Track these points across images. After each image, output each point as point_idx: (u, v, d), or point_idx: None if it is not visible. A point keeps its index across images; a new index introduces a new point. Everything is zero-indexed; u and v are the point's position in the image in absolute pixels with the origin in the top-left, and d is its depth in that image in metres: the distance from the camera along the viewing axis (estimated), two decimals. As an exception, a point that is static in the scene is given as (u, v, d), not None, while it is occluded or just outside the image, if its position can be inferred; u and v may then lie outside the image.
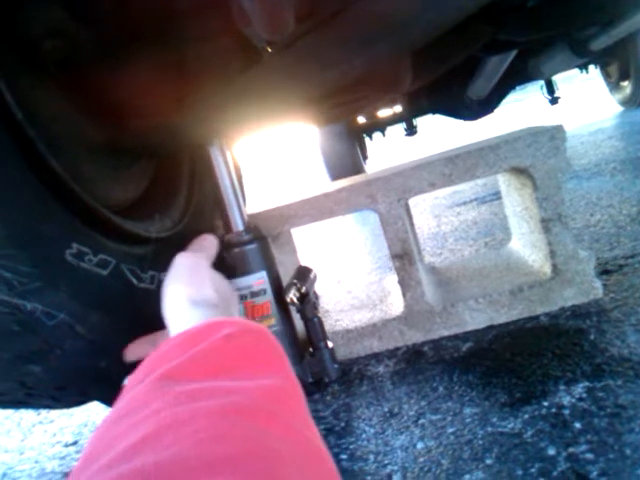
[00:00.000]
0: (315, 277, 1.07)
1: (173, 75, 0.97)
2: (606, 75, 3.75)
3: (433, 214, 2.35)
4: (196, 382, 0.40)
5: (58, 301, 0.65)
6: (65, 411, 1.28)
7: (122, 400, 0.42)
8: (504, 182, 1.31)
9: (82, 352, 0.71)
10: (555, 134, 1.03)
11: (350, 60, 0.80)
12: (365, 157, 3.78)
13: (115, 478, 0.30)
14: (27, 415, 1.33)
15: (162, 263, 0.91)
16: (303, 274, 1.04)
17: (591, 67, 3.56)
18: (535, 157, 1.03)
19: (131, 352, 0.71)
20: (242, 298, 0.94)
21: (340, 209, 1.09)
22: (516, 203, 1.24)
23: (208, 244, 0.83)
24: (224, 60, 0.99)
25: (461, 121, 3.05)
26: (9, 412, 1.37)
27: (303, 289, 0.99)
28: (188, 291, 0.62)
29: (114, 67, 0.92)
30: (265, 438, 0.35)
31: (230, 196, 0.98)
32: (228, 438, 0.33)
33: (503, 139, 1.06)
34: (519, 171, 1.09)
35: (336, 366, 1.06)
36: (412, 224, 1.32)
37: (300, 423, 0.41)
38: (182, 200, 1.13)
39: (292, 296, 0.98)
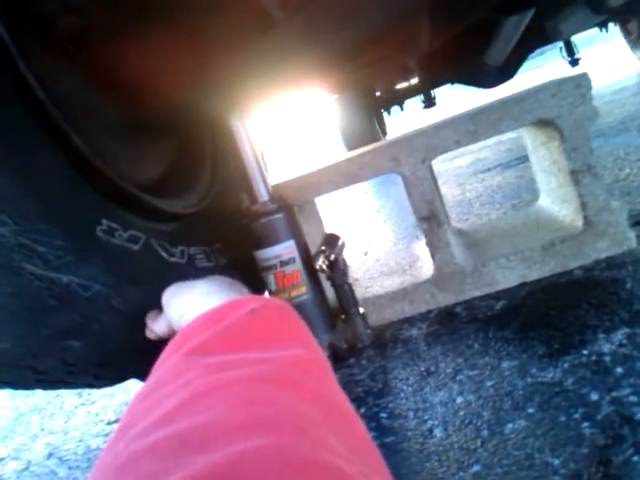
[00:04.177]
0: (343, 244, 1.07)
1: (189, 47, 0.97)
2: (626, 32, 3.64)
3: (457, 182, 2.32)
4: (224, 354, 0.40)
5: (92, 274, 0.65)
6: (105, 392, 1.30)
7: (153, 375, 0.42)
8: (529, 138, 1.28)
9: (119, 326, 0.71)
10: (580, 82, 1.00)
11: (366, 15, 0.78)
12: (384, 133, 3.74)
13: (151, 443, 0.30)
14: (69, 398, 1.36)
15: (191, 238, 0.92)
16: (331, 242, 1.04)
17: (611, 26, 3.45)
18: (561, 107, 1.01)
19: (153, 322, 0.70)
20: (271, 268, 0.94)
21: (364, 173, 1.08)
22: (543, 158, 1.21)
23: None
24: (239, 28, 0.98)
25: (480, 89, 2.99)
26: (51, 396, 1.41)
27: (332, 256, 0.99)
28: (195, 292, 0.59)
29: (129, 43, 0.92)
30: (295, 402, 0.35)
31: (253, 167, 0.97)
32: (260, 402, 0.34)
33: (527, 91, 1.04)
34: (545, 123, 1.06)
35: (369, 331, 1.06)
36: (437, 186, 1.30)
37: (327, 389, 0.41)
38: (206, 177, 1.13)
39: (321, 263, 0.97)
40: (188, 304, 0.59)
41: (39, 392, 1.44)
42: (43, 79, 0.66)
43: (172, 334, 0.62)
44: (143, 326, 0.72)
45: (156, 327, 0.67)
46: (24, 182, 0.59)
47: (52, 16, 0.80)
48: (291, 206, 0.98)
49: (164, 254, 0.82)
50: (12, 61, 0.63)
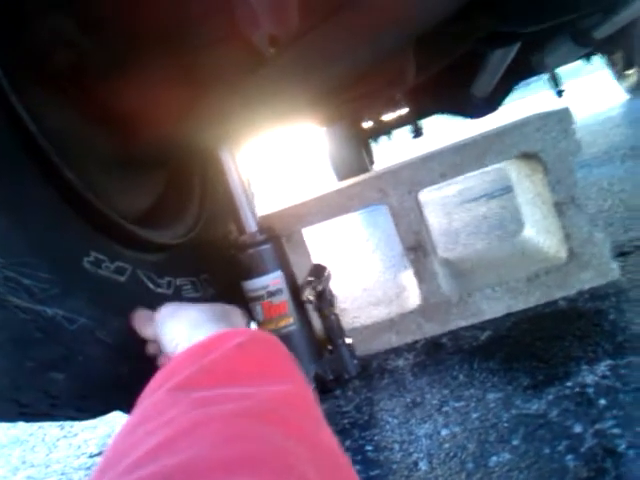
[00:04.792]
0: (330, 275, 1.07)
1: (181, 82, 0.98)
2: (611, 64, 3.73)
3: (444, 212, 2.35)
4: (209, 390, 0.40)
5: (78, 306, 0.65)
6: (88, 424, 1.28)
7: (137, 409, 0.42)
8: (514, 170, 1.31)
9: (104, 358, 0.71)
10: (563, 116, 1.03)
11: (354, 53, 0.80)
12: (372, 162, 3.79)
13: None
14: (51, 430, 1.34)
15: (178, 269, 0.92)
16: (318, 272, 1.04)
17: (595, 58, 3.54)
18: (544, 141, 1.03)
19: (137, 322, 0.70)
20: (259, 298, 0.95)
21: (352, 205, 1.10)
22: (527, 190, 1.23)
23: None
24: (230, 64, 1.00)
25: (467, 120, 3.04)
26: (33, 429, 1.39)
27: (319, 287, 0.99)
28: (186, 319, 0.60)
29: (123, 77, 0.93)
30: (280, 439, 0.35)
31: (241, 198, 0.98)
32: (245, 439, 0.34)
33: (511, 125, 1.06)
34: (529, 157, 1.09)
35: (355, 362, 1.05)
36: (424, 217, 1.32)
37: (313, 425, 0.41)
38: (194, 207, 1.14)
39: (308, 294, 0.98)
40: (178, 332, 0.59)
41: (21, 424, 1.42)
42: (35, 112, 0.67)
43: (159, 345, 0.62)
44: (127, 358, 0.72)
45: (144, 331, 0.68)
46: (12, 215, 0.60)
47: (47, 50, 0.82)
48: (279, 237, 0.99)
49: (151, 285, 0.82)
50: (4, 94, 0.64)
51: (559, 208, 1.06)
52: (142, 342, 0.74)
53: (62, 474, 1.09)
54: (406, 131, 3.37)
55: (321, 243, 2.74)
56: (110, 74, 0.91)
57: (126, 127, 0.91)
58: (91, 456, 1.13)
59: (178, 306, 0.64)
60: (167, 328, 0.61)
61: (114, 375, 0.74)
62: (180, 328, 0.59)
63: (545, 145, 1.04)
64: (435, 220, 2.23)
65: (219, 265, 0.99)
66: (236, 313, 0.66)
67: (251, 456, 0.32)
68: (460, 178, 3.01)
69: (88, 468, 1.08)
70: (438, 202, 2.61)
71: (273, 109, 0.93)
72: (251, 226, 0.98)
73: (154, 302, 0.80)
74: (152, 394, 0.43)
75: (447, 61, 1.34)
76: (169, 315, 0.63)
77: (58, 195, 0.68)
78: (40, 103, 0.79)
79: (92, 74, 0.89)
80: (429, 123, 3.46)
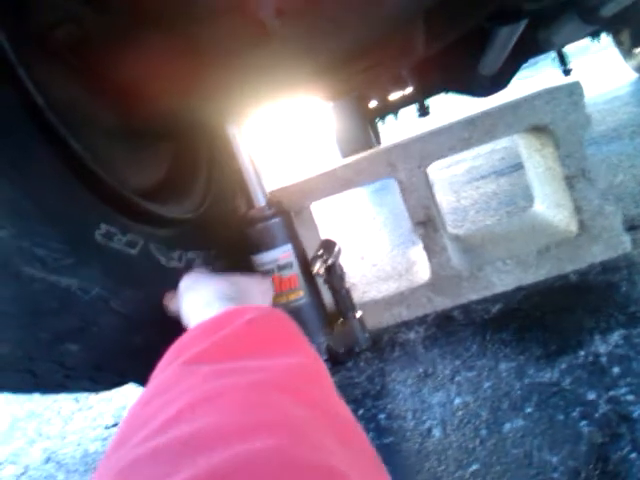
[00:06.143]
0: (340, 250, 1.07)
1: (185, 55, 0.97)
2: (618, 42, 3.68)
3: (452, 190, 2.34)
4: (221, 363, 0.41)
5: (92, 276, 0.66)
6: (103, 397, 1.30)
7: (152, 383, 0.42)
8: (524, 145, 1.29)
9: (117, 328, 0.72)
10: (573, 90, 1.01)
11: (361, 22, 0.79)
12: (379, 142, 3.77)
13: (154, 448, 0.30)
14: (66, 403, 1.35)
15: (188, 243, 0.92)
16: (328, 247, 1.04)
17: (603, 37, 3.49)
18: (554, 114, 1.02)
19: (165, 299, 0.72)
20: (269, 272, 0.95)
21: (360, 179, 1.09)
22: (537, 165, 1.22)
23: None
24: (235, 37, 0.99)
25: (474, 99, 3.01)
26: (48, 402, 1.40)
27: (329, 261, 1.00)
28: (201, 294, 0.62)
29: (127, 51, 0.92)
30: (293, 407, 0.35)
31: (250, 172, 0.98)
32: (259, 408, 0.34)
33: (522, 98, 1.05)
34: (539, 130, 1.08)
35: (366, 335, 1.06)
36: (433, 192, 1.31)
37: (325, 395, 0.41)
38: (203, 182, 1.14)
39: (319, 268, 0.98)
40: (192, 308, 0.61)
41: (36, 398, 1.43)
42: (42, 86, 0.67)
43: None
44: (141, 329, 0.72)
45: (170, 307, 0.71)
46: (23, 186, 0.60)
47: (51, 25, 0.81)
48: (288, 211, 0.99)
49: (162, 258, 0.83)
50: (12, 68, 0.63)
51: (569, 182, 1.05)
52: (154, 314, 0.75)
53: (78, 445, 1.10)
54: (412, 111, 3.35)
55: (329, 222, 2.73)
56: (114, 47, 0.90)
57: (132, 100, 0.91)
58: (107, 427, 1.14)
59: (196, 279, 0.66)
60: (184, 303, 0.63)
61: (128, 346, 0.75)
62: (194, 304, 0.61)
63: (555, 118, 1.03)
64: (444, 198, 2.22)
65: (228, 240, 0.99)
66: (254, 286, 0.67)
67: (266, 422, 0.32)
68: (469, 156, 3.00)
69: (104, 439, 1.09)
70: (446, 180, 2.60)
71: (279, 81, 0.92)
72: (260, 200, 0.97)
73: (166, 274, 0.81)
74: (166, 368, 0.43)
75: (458, 33, 1.31)
76: (187, 289, 0.65)
77: (66, 167, 0.68)
78: (47, 77, 0.78)
79: (96, 47, 0.88)
80: (435, 103, 3.43)
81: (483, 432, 0.69)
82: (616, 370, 0.71)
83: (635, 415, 0.62)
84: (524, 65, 2.92)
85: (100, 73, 0.88)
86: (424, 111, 3.30)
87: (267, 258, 0.94)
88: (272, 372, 0.40)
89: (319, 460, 0.30)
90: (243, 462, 0.28)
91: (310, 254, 1.00)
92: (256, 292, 0.70)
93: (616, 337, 0.79)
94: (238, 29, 0.99)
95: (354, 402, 0.87)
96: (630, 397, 0.66)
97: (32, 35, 0.79)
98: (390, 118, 3.51)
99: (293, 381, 0.40)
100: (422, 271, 1.20)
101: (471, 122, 1.05)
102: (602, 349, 0.77)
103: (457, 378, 0.84)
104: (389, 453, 0.71)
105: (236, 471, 0.27)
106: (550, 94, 1.03)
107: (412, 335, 1.05)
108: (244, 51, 0.91)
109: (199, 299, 0.61)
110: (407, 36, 1.00)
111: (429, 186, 1.15)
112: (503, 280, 1.09)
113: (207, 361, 0.41)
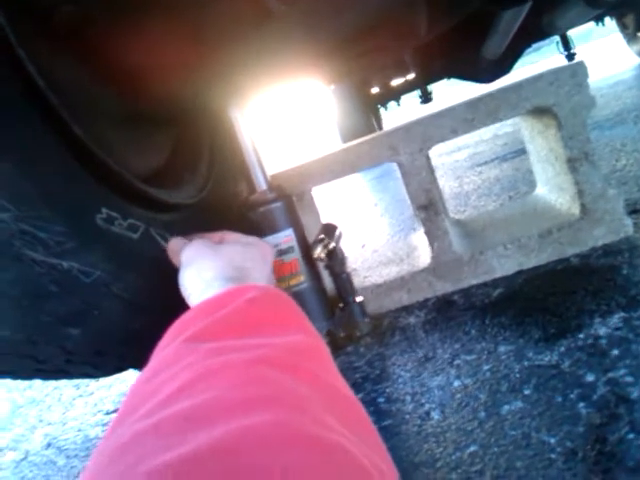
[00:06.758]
0: (341, 234, 1.07)
1: (187, 38, 0.97)
2: (622, 27, 3.65)
3: (455, 176, 2.33)
4: (223, 341, 0.41)
5: (93, 260, 0.66)
6: (103, 383, 1.30)
7: (153, 361, 0.43)
8: (527, 127, 1.29)
9: (119, 312, 0.72)
10: (577, 71, 1.01)
11: (363, 3, 0.79)
12: (380, 127, 3.75)
13: (155, 422, 0.31)
14: (67, 390, 1.36)
15: (189, 229, 0.92)
16: (329, 231, 1.04)
17: (607, 21, 3.46)
18: (558, 95, 1.01)
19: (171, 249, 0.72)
20: (269, 256, 0.95)
21: (362, 163, 1.09)
22: (540, 147, 1.22)
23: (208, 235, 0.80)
24: (237, 19, 0.98)
25: (476, 85, 2.99)
26: (49, 389, 1.41)
27: (330, 245, 1.00)
28: (202, 273, 0.61)
29: (128, 33, 0.92)
30: (294, 384, 0.35)
31: (252, 156, 0.98)
32: (260, 382, 0.34)
33: (525, 79, 1.04)
34: (542, 112, 1.07)
35: (367, 320, 1.06)
36: (434, 176, 1.31)
37: (326, 373, 0.41)
38: (204, 168, 1.13)
39: (320, 252, 0.98)
40: (193, 285, 0.60)
41: (37, 385, 1.44)
42: (43, 68, 0.66)
43: None
44: (142, 313, 0.73)
45: (175, 259, 0.70)
46: (25, 169, 0.60)
47: (51, 6, 0.81)
48: (290, 195, 0.99)
49: (163, 243, 0.83)
50: (12, 50, 0.63)
51: (572, 164, 1.05)
52: (155, 299, 0.75)
53: (79, 430, 1.11)
54: (415, 97, 3.33)
55: (330, 208, 2.73)
56: (116, 30, 0.90)
57: (133, 83, 0.90)
58: (107, 413, 1.15)
59: (198, 252, 0.65)
60: (185, 277, 0.63)
61: (129, 330, 0.75)
62: (195, 282, 0.60)
63: (559, 99, 1.02)
64: (446, 184, 2.21)
65: (230, 224, 0.99)
66: (255, 253, 0.67)
67: (267, 397, 0.33)
68: (472, 142, 2.99)
69: (104, 425, 1.10)
70: (449, 166, 2.59)
71: (281, 64, 0.92)
72: (261, 184, 0.97)
73: (166, 260, 0.81)
74: (166, 346, 0.44)
75: (460, 16, 1.30)
76: (188, 262, 0.64)
77: (68, 151, 0.68)
78: (48, 59, 0.78)
79: (98, 29, 0.88)
80: (439, 89, 3.41)
81: (482, 414, 0.69)
82: (615, 352, 0.72)
83: (633, 396, 0.63)
84: (527, 50, 2.90)
85: (102, 56, 0.88)
86: (427, 97, 3.29)
87: (268, 242, 0.94)
88: (273, 349, 0.40)
89: (319, 434, 0.30)
90: (244, 435, 0.28)
91: (311, 239, 1.00)
92: (257, 259, 0.69)
93: (616, 320, 0.79)
94: (240, 11, 0.98)
95: (354, 386, 0.87)
96: (629, 379, 0.66)
97: (33, 17, 0.78)
98: (392, 105, 3.49)
99: (293, 358, 0.40)
100: (423, 256, 1.20)
101: (474, 104, 1.05)
102: (602, 331, 0.77)
103: (456, 361, 0.84)
104: (388, 435, 0.72)
105: (237, 444, 0.28)
106: (554, 75, 1.02)
107: (412, 319, 1.05)
108: (246, 33, 0.91)
109: (199, 279, 0.60)
110: (409, 18, 0.99)
111: (431, 169, 1.15)
112: (504, 264, 1.09)
113: (208, 339, 0.41)
